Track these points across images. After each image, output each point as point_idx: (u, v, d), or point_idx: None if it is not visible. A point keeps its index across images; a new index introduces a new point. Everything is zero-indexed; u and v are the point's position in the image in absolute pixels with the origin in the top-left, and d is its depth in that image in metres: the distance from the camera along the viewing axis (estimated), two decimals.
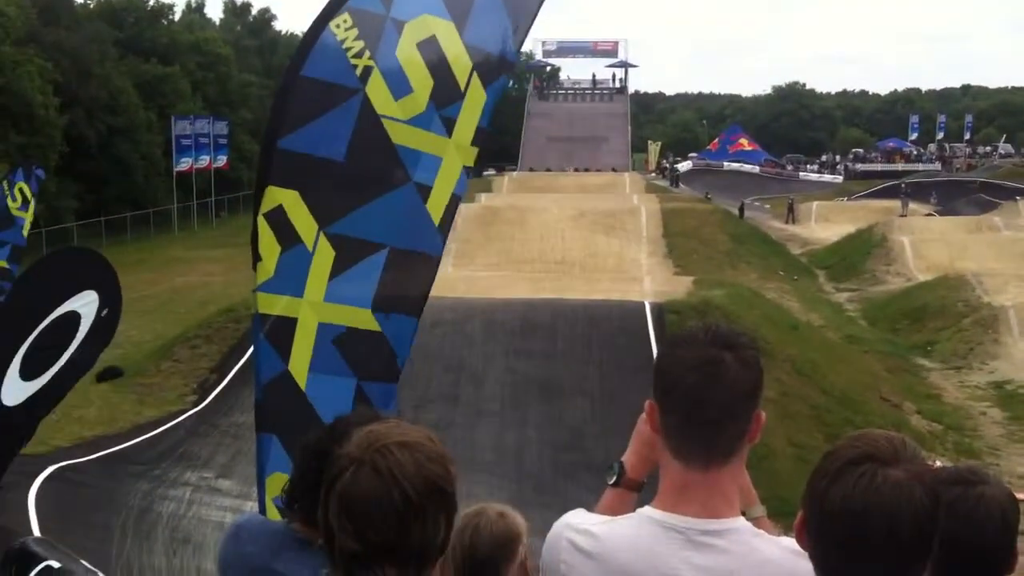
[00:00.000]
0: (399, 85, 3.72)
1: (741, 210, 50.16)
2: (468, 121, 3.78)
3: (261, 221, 3.68)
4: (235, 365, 20.69)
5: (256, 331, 3.71)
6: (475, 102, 3.78)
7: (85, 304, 5.08)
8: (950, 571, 2.07)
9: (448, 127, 3.75)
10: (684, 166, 75.86)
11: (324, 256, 3.65)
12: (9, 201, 13.25)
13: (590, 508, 2.21)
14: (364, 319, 3.66)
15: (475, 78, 3.77)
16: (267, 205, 3.68)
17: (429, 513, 1.83)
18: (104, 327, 5.22)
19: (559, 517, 2.15)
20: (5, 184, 13.40)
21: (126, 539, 13.29)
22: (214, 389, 19.90)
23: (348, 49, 3.68)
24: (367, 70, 3.69)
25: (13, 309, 5.09)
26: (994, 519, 2.15)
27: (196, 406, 19.21)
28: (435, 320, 19.97)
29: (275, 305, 3.67)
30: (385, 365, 3.70)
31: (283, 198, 3.66)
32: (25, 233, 13.46)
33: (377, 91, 3.70)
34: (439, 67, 3.75)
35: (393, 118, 3.71)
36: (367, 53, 3.69)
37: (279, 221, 3.67)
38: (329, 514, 1.85)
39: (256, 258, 3.69)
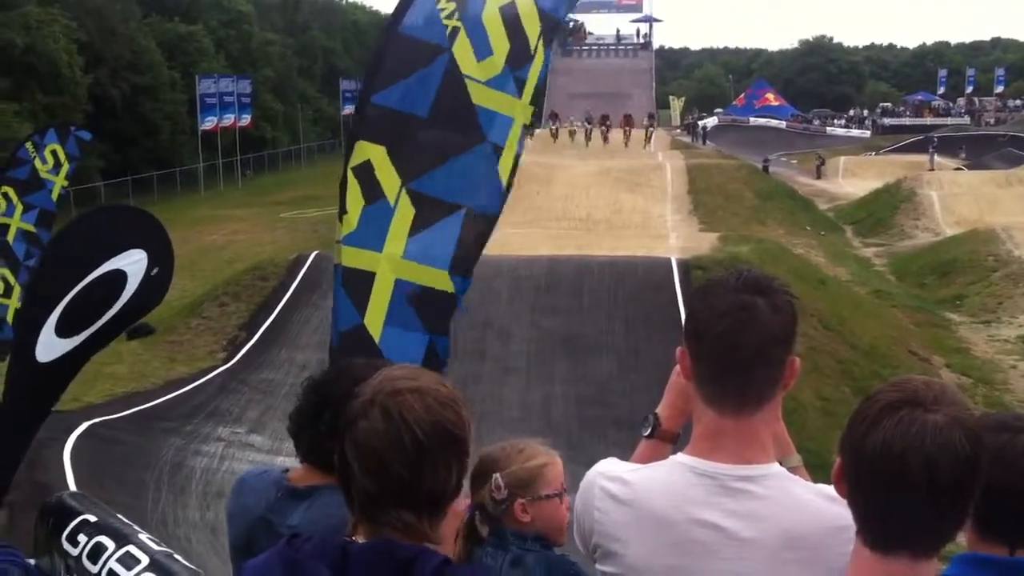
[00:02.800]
0: (482, 46, 3.78)
1: (765, 167, 49.72)
2: (532, 81, 3.84)
3: (350, 175, 3.74)
4: (264, 322, 20.85)
5: (336, 281, 3.77)
6: (538, 63, 3.86)
7: (132, 263, 5.05)
8: (997, 518, 2.05)
9: (520, 88, 3.82)
10: (710, 122, 75.14)
11: (404, 213, 3.70)
12: (38, 163, 12.97)
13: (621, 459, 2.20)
14: (441, 280, 3.72)
15: (541, 40, 3.83)
16: (356, 159, 3.73)
17: (439, 456, 1.85)
18: (155, 286, 5.19)
19: (585, 472, 2.16)
20: (30, 145, 13.14)
21: (160, 494, 13.49)
22: (244, 346, 20.06)
23: (442, 9, 3.76)
24: (455, 31, 3.76)
25: (53, 265, 5.07)
26: None
27: (226, 363, 19.39)
28: None
29: (356, 258, 3.73)
30: (449, 321, 3.78)
31: (372, 153, 3.72)
32: (55, 197, 13.23)
33: (463, 52, 3.76)
34: (515, 29, 3.82)
35: (474, 79, 3.76)
36: (456, 14, 3.77)
37: (366, 176, 3.73)
38: (345, 457, 1.89)
39: (342, 211, 3.75)
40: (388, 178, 3.71)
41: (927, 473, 1.51)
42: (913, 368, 19.89)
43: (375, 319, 3.70)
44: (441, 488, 1.88)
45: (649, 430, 2.26)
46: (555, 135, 47.38)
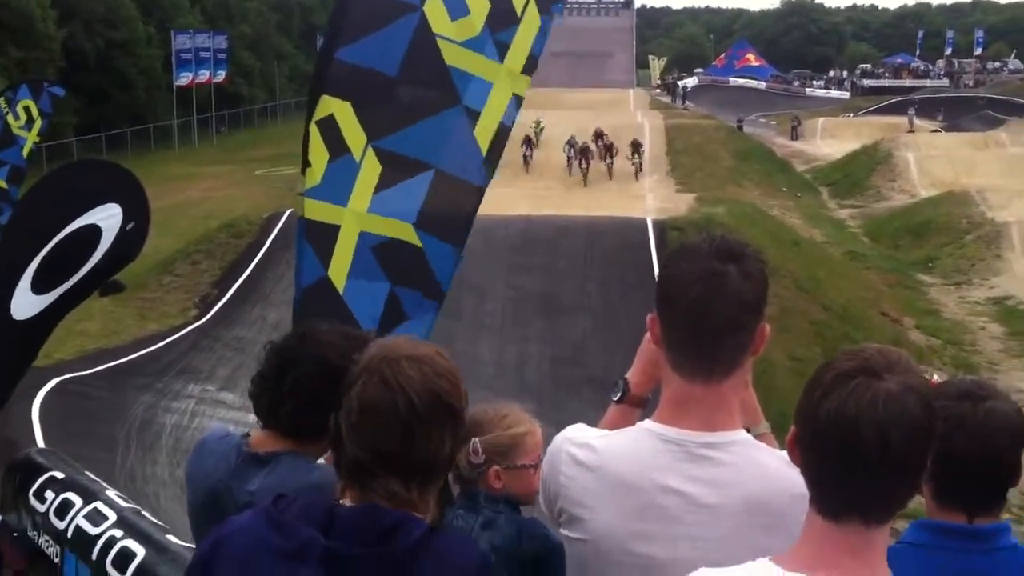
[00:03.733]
0: (456, 6, 3.69)
1: (739, 125, 49.63)
2: (521, 48, 3.74)
3: (313, 128, 3.69)
4: (236, 280, 20.77)
5: (299, 234, 3.74)
6: (529, 29, 3.74)
7: (106, 218, 4.96)
8: (958, 485, 2.09)
9: (501, 52, 3.71)
10: (690, 82, 74.95)
11: (371, 169, 3.65)
12: (10, 119, 12.81)
13: (590, 422, 2.19)
14: (406, 232, 3.66)
15: (531, 4, 3.74)
16: (320, 113, 3.68)
17: (434, 426, 1.84)
18: (130, 242, 5.12)
19: (559, 431, 2.15)
20: (2, 101, 12.98)
21: (130, 450, 13.48)
22: (215, 304, 20.01)
23: None
24: None
25: (25, 220, 4.98)
26: (1002, 433, 2.12)
27: (198, 320, 19.32)
28: None
29: (319, 211, 3.69)
30: (422, 278, 3.69)
31: (335, 108, 3.66)
32: (26, 153, 13.09)
33: (435, 10, 3.68)
34: None
35: (448, 38, 3.67)
36: None
37: (330, 130, 3.67)
38: (339, 423, 1.88)
39: (305, 163, 3.70)
40: (353, 134, 3.66)
41: (880, 441, 1.51)
42: (884, 330, 20.05)
43: (339, 271, 3.67)
44: (433, 458, 1.86)
45: (618, 395, 2.24)
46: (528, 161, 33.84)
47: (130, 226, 4.99)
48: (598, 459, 1.99)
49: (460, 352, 15.77)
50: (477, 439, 2.74)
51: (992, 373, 18.35)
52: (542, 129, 35.08)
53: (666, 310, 1.95)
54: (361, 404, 1.84)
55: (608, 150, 32.70)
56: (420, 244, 3.66)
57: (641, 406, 2.19)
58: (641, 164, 32.53)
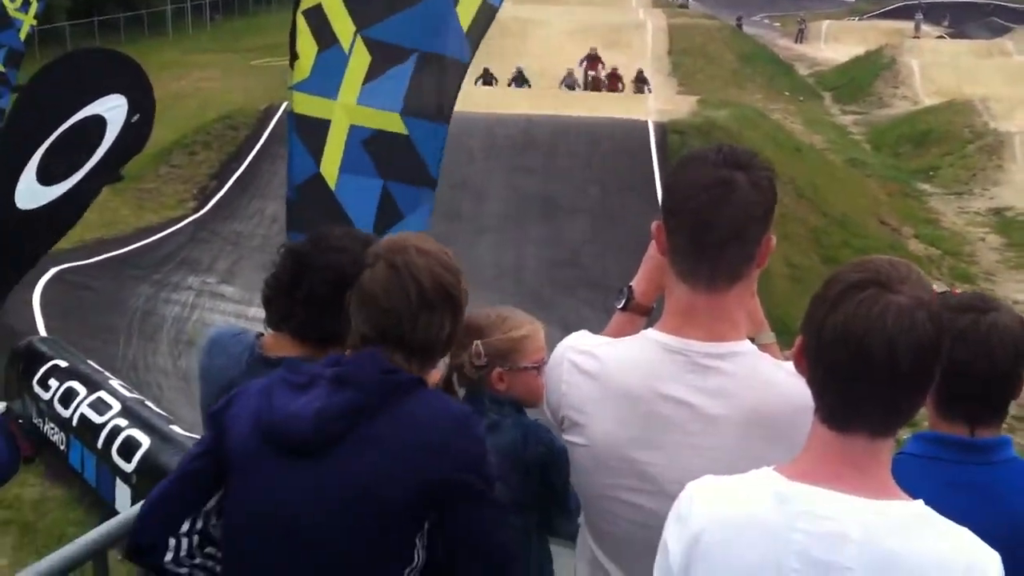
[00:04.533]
0: None
1: (739, 24, 48.70)
2: None
3: (300, 19, 3.60)
4: (234, 173, 20.62)
5: (290, 130, 3.69)
6: None
7: (111, 108, 4.88)
8: (959, 397, 2.10)
9: None
10: None
11: (360, 59, 3.59)
12: (6, 1, 12.56)
13: (587, 322, 2.20)
14: (393, 122, 3.62)
15: None
16: (307, 3, 3.60)
17: (436, 310, 2.04)
18: (135, 134, 5.04)
19: (558, 330, 2.16)
20: None
21: (131, 340, 13.55)
22: (214, 196, 19.90)
23: None
24: None
25: (29, 109, 4.89)
26: (1005, 346, 2.14)
27: (196, 212, 19.24)
28: None
29: (309, 105, 3.62)
30: (413, 168, 3.67)
31: None
32: (23, 36, 12.84)
33: None
34: None
35: None
36: None
37: (317, 20, 3.59)
38: (351, 304, 2.08)
39: (293, 56, 3.62)
40: (341, 23, 3.60)
41: (887, 354, 1.51)
42: (883, 238, 20.08)
43: (331, 167, 3.64)
44: (434, 339, 2.07)
45: (623, 303, 2.24)
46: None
47: (135, 118, 4.91)
48: (600, 367, 2.00)
49: (459, 254, 15.62)
50: (479, 342, 2.78)
51: (990, 284, 18.46)
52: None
53: (671, 218, 1.94)
54: (371, 286, 2.04)
55: (613, 84, 29.18)
56: (406, 131, 3.63)
57: (646, 315, 2.20)
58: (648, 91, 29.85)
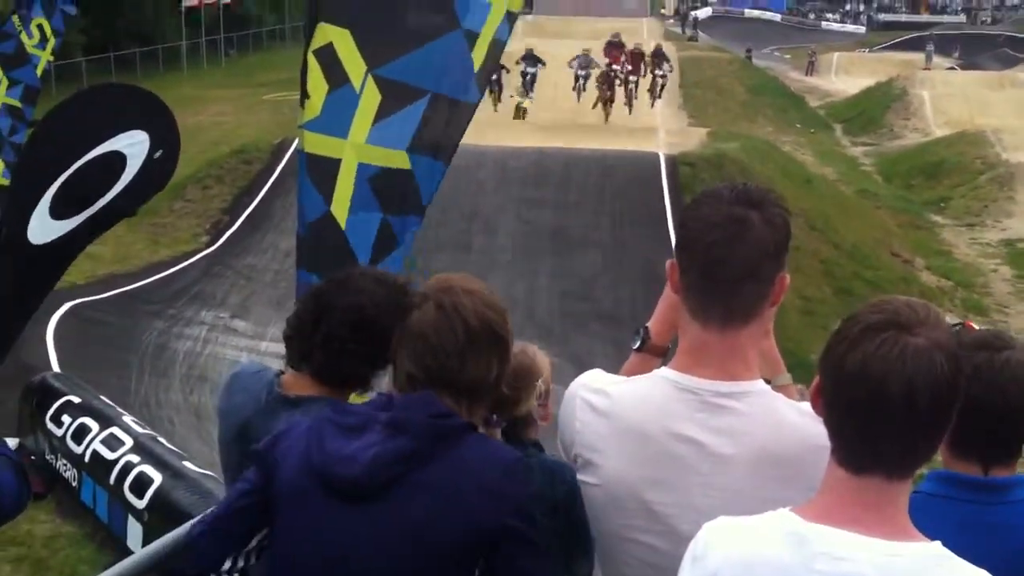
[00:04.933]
0: None
1: (748, 56, 48.87)
2: None
3: (311, 58, 3.60)
4: (247, 207, 20.71)
5: (301, 168, 3.69)
6: None
7: (131, 144, 4.88)
8: (973, 436, 2.09)
9: None
10: (703, 12, 73.76)
11: (370, 99, 3.58)
12: (24, 37, 12.62)
13: (598, 356, 2.21)
14: (398, 160, 3.63)
15: None
16: (318, 42, 3.60)
17: (483, 351, 2.05)
18: (157, 171, 5.04)
19: (568, 364, 2.17)
20: (16, 19, 12.79)
21: (144, 376, 13.56)
22: (227, 230, 19.97)
23: None
24: None
25: (46, 142, 4.90)
26: (1019, 383, 2.13)
27: (209, 247, 19.31)
28: (453, 166, 19.81)
29: (320, 145, 3.64)
30: (409, 199, 3.67)
31: (335, 36, 3.57)
32: (40, 72, 12.93)
33: None
34: None
35: None
36: None
37: (328, 59, 3.59)
38: (396, 340, 2.11)
39: (304, 95, 3.64)
40: (353, 62, 3.57)
41: (905, 396, 1.51)
42: (895, 270, 20.02)
43: (341, 206, 3.64)
44: (482, 379, 2.07)
45: (638, 343, 2.24)
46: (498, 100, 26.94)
47: (157, 155, 4.92)
48: (612, 405, 2.00)
49: None
50: (541, 381, 2.85)
51: (1002, 316, 18.36)
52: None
53: (685, 255, 1.95)
54: (419, 326, 2.05)
55: (635, 63, 26.47)
56: (410, 167, 3.62)
57: (662, 355, 2.20)
58: (664, 81, 28.03)
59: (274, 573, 2.11)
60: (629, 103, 26.91)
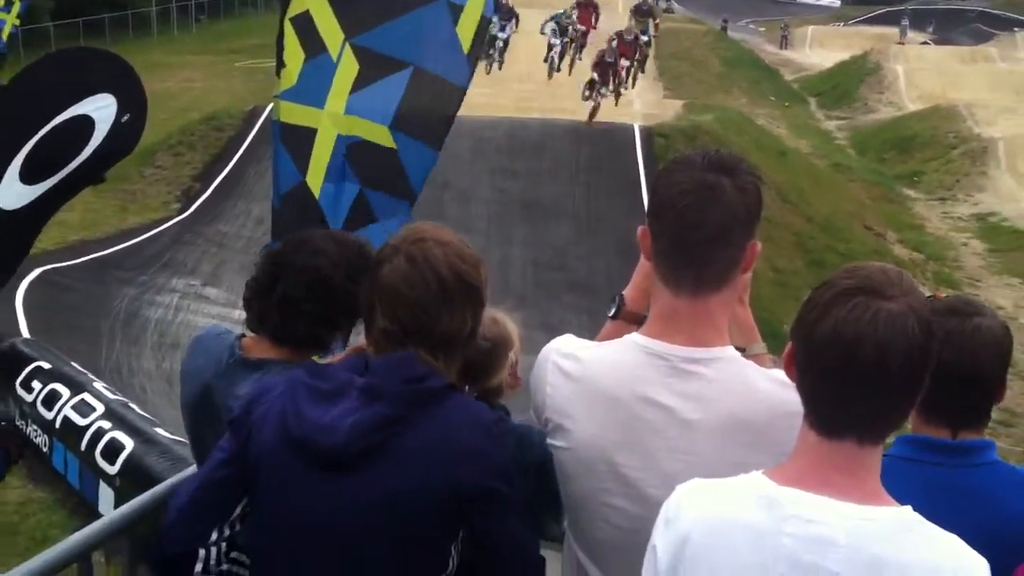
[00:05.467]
0: None
1: (724, 27, 48.84)
2: None
3: (287, 25, 3.55)
4: (219, 174, 20.54)
5: (275, 138, 3.63)
6: None
7: (99, 108, 4.81)
8: (943, 400, 2.08)
9: None
10: None
11: (348, 68, 3.52)
12: None
13: (571, 325, 2.19)
14: (381, 134, 3.56)
15: None
16: (294, 9, 3.54)
17: (456, 303, 2.00)
18: (125, 135, 4.97)
19: (541, 333, 2.15)
20: None
21: (115, 343, 13.47)
22: (198, 198, 19.82)
23: None
24: None
25: (13, 107, 4.81)
26: (988, 349, 2.15)
27: (180, 214, 19.16)
28: None
29: (296, 114, 3.57)
30: (393, 180, 3.60)
31: (311, 3, 3.52)
32: (5, 37, 12.69)
33: None
34: None
35: None
36: None
37: (305, 27, 3.53)
38: (368, 300, 2.04)
39: (280, 64, 3.57)
40: (330, 31, 3.53)
41: (877, 360, 1.51)
42: (867, 243, 20.16)
43: (316, 176, 3.59)
44: (456, 331, 2.02)
45: (613, 311, 2.23)
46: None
47: (125, 118, 4.86)
48: (583, 370, 2.00)
49: None
50: (513, 351, 2.78)
51: (973, 289, 18.55)
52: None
53: (656, 221, 1.93)
54: (390, 279, 1.99)
55: (629, 51, 23.37)
56: (394, 145, 3.57)
57: (637, 323, 2.15)
58: (640, 69, 25.10)
59: (256, 541, 2.08)
60: (616, 94, 23.90)
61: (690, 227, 1.87)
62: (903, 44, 47.76)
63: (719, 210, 1.86)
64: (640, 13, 25.76)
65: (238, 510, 2.11)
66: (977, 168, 26.42)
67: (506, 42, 25.86)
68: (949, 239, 22.10)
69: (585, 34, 26.47)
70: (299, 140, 3.58)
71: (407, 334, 1.99)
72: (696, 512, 1.61)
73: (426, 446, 1.94)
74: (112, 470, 8.72)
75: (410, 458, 1.93)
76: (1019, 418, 13.70)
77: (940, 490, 2.02)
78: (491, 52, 25.18)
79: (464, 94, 3.65)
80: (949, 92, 34.56)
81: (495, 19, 22.79)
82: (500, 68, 25.95)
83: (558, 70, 26.03)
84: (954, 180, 26.24)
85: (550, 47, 25.75)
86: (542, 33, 25.79)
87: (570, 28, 25.41)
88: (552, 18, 25.53)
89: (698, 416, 1.88)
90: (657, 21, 25.06)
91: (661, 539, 1.63)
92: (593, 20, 26.36)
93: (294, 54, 3.56)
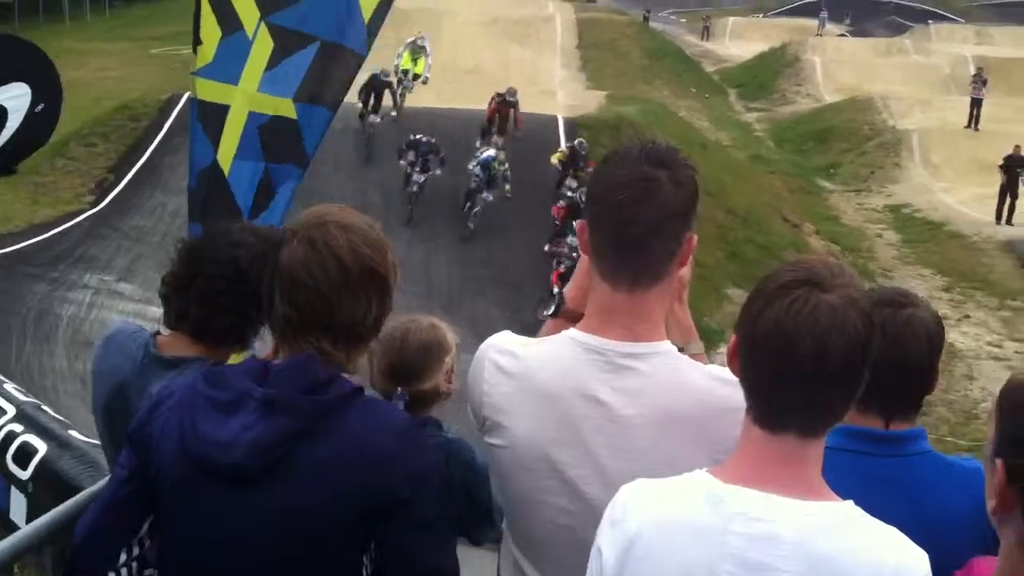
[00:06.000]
0: None
1: (646, 17, 49.23)
2: None
3: (204, 3, 3.50)
4: (134, 166, 20.10)
5: (192, 117, 3.60)
6: None
7: (13, 97, 4.70)
8: (875, 390, 2.10)
9: None
10: None
11: (263, 46, 3.52)
12: None
13: (495, 319, 2.17)
14: (285, 108, 3.57)
15: None
16: None
17: (360, 291, 1.93)
18: (41, 124, 4.86)
19: (466, 330, 2.12)
20: None
21: (25, 342, 13.11)
22: (112, 190, 19.36)
23: None
24: None
25: None
26: (920, 340, 2.18)
27: (94, 207, 18.70)
28: (344, 127, 19.53)
29: (211, 91, 3.55)
30: (292, 149, 3.63)
31: None
32: None
33: None
34: None
35: None
36: None
37: (221, 5, 3.51)
38: (269, 286, 1.97)
39: (196, 41, 3.53)
40: (246, 9, 3.52)
41: (817, 354, 1.52)
42: (785, 235, 20.50)
43: (227, 154, 3.60)
44: (360, 320, 1.95)
45: (552, 309, 2.21)
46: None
47: (39, 108, 4.73)
48: (520, 366, 1.98)
49: None
50: (450, 357, 2.77)
51: (886, 280, 18.99)
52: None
53: (594, 215, 1.93)
54: (289, 265, 1.92)
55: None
56: (295, 116, 3.59)
57: (576, 321, 2.13)
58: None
59: (165, 558, 2.02)
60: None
61: (626, 221, 1.87)
62: (821, 36, 48.66)
63: (655, 204, 1.86)
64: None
65: (145, 526, 2.03)
66: (891, 160, 27.05)
67: (405, 90, 22.57)
68: (864, 230, 22.59)
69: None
70: (213, 117, 3.58)
71: (306, 321, 1.92)
72: (642, 513, 1.61)
73: (333, 456, 1.88)
74: (24, 475, 8.43)
75: (317, 469, 1.87)
76: (932, 407, 14.08)
77: (875, 481, 2.02)
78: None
79: (363, 60, 3.71)
80: (865, 84, 35.35)
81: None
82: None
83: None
84: (869, 172, 26.84)
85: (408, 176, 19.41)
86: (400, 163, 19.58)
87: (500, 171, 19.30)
88: (409, 147, 19.45)
89: (633, 411, 1.88)
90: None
91: (607, 540, 1.63)
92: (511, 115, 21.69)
93: (211, 31, 3.55)
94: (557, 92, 28.33)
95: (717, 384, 1.85)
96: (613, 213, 1.88)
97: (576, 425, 1.91)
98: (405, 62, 23.27)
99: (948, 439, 13.81)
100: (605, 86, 30.31)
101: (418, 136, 19.23)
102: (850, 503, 1.58)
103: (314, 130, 3.63)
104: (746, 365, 1.61)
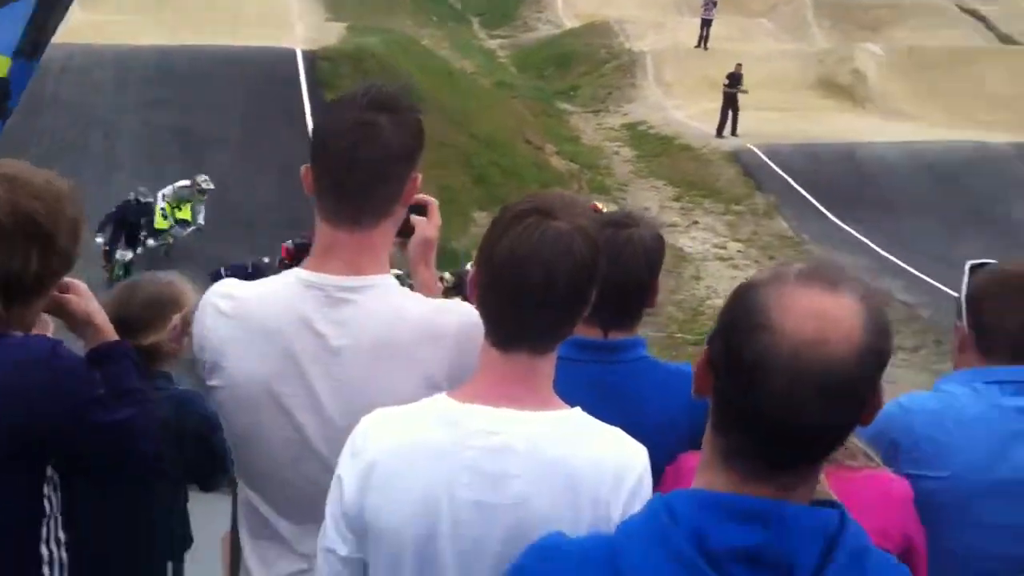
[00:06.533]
0: None
1: None
2: None
3: None
4: None
5: None
6: None
7: None
8: (596, 304, 2.21)
9: None
10: None
11: None
12: None
13: (234, 257, 2.09)
14: (1, 65, 3.37)
15: None
16: None
17: (18, 242, 1.90)
18: None
19: (202, 276, 2.05)
20: None
21: None
22: None
23: None
24: None
25: None
26: (638, 258, 2.32)
27: None
28: (63, 67, 18.34)
29: None
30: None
31: None
32: None
33: None
34: None
35: None
36: None
37: None
38: None
39: None
40: None
41: (545, 277, 1.62)
42: (528, 156, 20.91)
43: None
44: (17, 275, 1.92)
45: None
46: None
47: None
48: (238, 307, 2.01)
49: (91, 193, 14.68)
50: (180, 315, 2.77)
51: (622, 193, 19.75)
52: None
53: (317, 159, 1.97)
54: None
55: None
56: (6, 74, 3.38)
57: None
58: None
59: None
60: None
61: (348, 165, 1.92)
62: None
63: (376, 148, 1.91)
64: None
65: None
66: (627, 80, 27.98)
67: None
68: (602, 148, 23.35)
69: None
70: None
71: None
72: (381, 440, 1.68)
73: None
74: None
75: None
76: (662, 307, 14.81)
77: (599, 386, 2.15)
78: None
79: (69, 5, 3.57)
80: (603, 9, 36.14)
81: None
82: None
83: None
84: (607, 93, 27.67)
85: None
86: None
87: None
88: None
89: (347, 341, 1.93)
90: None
91: (348, 470, 1.68)
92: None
93: None
94: (295, 25, 27.54)
95: (433, 312, 1.93)
96: (333, 159, 1.93)
97: (296, 357, 1.95)
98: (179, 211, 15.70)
99: (678, 335, 14.64)
100: (345, 17, 29.71)
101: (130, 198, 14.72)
102: (577, 409, 1.69)
103: (20, 83, 3.45)
104: (484, 292, 1.69)
